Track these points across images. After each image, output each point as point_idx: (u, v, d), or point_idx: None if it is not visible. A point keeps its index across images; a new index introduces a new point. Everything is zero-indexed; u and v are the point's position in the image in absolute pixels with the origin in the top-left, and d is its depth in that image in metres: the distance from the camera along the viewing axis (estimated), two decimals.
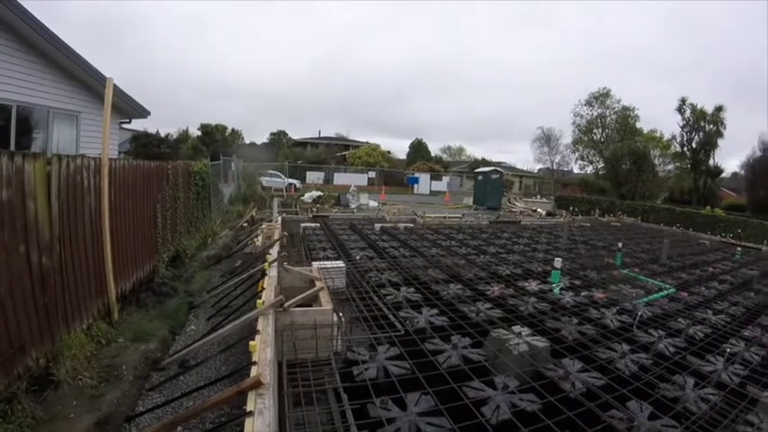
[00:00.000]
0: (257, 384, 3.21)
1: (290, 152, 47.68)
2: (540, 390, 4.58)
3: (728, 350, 6.18)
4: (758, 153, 37.59)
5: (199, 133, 42.94)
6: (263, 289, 5.85)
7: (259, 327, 4.56)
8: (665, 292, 9.35)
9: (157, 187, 8.56)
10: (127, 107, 12.99)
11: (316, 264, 7.96)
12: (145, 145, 26.57)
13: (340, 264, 8.45)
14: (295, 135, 59.26)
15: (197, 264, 9.94)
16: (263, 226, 12.55)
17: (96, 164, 5.86)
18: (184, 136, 41.75)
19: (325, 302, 5.70)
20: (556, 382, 4.82)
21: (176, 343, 6.32)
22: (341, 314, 5.52)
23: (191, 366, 5.48)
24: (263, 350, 3.91)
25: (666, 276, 11.14)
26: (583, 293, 8.56)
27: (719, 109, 39.21)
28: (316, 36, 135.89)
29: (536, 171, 68.37)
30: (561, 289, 8.73)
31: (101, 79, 10.70)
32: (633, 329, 6.73)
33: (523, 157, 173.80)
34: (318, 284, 6.29)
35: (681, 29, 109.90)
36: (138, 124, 16.42)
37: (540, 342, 5.62)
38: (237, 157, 27.03)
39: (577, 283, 9.51)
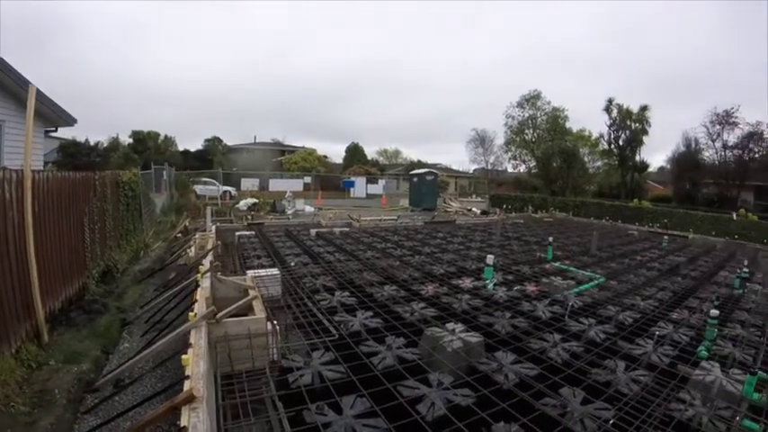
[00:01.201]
0: (190, 399, 3.11)
1: (224, 159, 46.54)
2: (474, 384, 4.67)
3: (657, 333, 6.49)
4: (682, 148, 40.21)
5: (130, 141, 41.21)
6: (196, 301, 5.68)
7: (191, 340, 4.42)
8: (596, 281, 9.75)
9: (84, 199, 8.15)
10: (53, 115, 12.29)
11: (250, 272, 7.83)
12: (73, 155, 25.49)
13: (275, 271, 8.31)
14: (230, 141, 58.05)
15: (129, 278, 9.54)
16: (197, 236, 12.18)
17: (18, 176, 5.51)
18: (115, 144, 40.09)
19: (259, 311, 5.60)
20: (489, 375, 4.93)
21: (110, 362, 6.03)
22: (275, 322, 5.41)
23: (125, 385, 5.25)
24: (195, 363, 3.78)
25: (597, 267, 11.64)
26: (515, 288, 8.81)
27: (644, 108, 41.38)
28: (249, 39, 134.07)
29: (471, 171, 69.89)
30: (494, 285, 8.90)
31: (25, 86, 10.07)
32: (565, 319, 6.97)
33: (459, 158, 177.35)
34: (252, 293, 6.15)
35: (607, 29, 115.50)
36: (66, 132, 15.61)
37: (474, 337, 5.73)
38: (170, 165, 26.13)
39: (510, 278, 9.79)
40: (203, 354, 4.06)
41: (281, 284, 7.99)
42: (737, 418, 4.35)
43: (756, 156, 35.06)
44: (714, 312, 6.68)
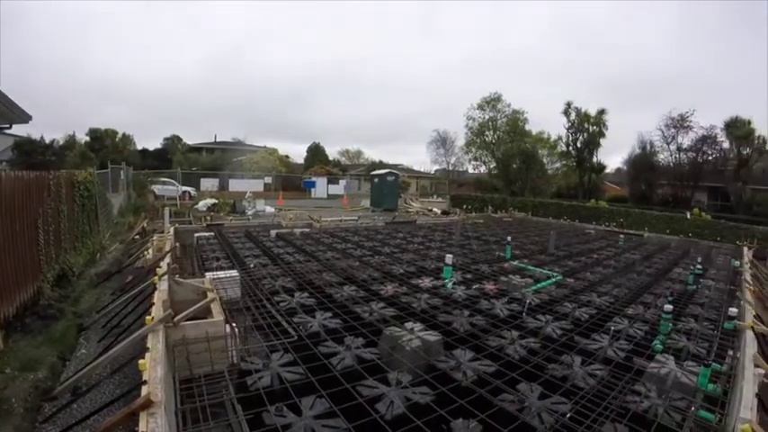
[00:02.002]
0: (148, 404, 3.08)
1: (184, 158, 45.41)
2: (432, 382, 4.72)
3: (613, 328, 6.66)
4: (638, 150, 41.69)
5: (87, 139, 39.67)
6: (154, 304, 5.59)
7: (149, 344, 4.35)
8: (553, 279, 9.95)
9: (38, 200, 7.88)
10: (6, 110, 11.76)
11: (209, 274, 7.75)
12: (28, 153, 24.81)
13: (234, 273, 8.22)
14: (190, 140, 56.57)
15: (85, 282, 9.27)
16: (155, 237, 11.89)
17: None
18: (71, 142, 38.35)
19: (217, 314, 5.50)
20: (448, 373, 4.98)
21: (67, 369, 5.86)
22: (234, 324, 5.33)
23: (83, 392, 5.11)
24: (153, 368, 3.73)
25: (554, 265, 11.90)
26: (474, 286, 8.94)
27: (602, 112, 42.74)
28: (209, 37, 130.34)
29: (433, 172, 70.37)
30: (454, 284, 8.98)
31: None
32: (523, 317, 7.08)
33: (421, 159, 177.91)
34: (210, 295, 6.04)
35: (565, 33, 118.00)
36: (21, 130, 14.90)
37: (433, 336, 5.78)
38: (128, 164, 25.45)
39: (469, 276, 9.91)
40: (161, 358, 4.01)
41: (241, 286, 7.90)
42: (692, 408, 4.49)
43: (710, 158, 36.50)
44: (668, 307, 6.91)
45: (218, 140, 60.72)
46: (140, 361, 3.76)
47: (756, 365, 5.28)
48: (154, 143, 55.36)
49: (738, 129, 33.45)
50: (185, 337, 4.91)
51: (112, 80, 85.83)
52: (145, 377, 3.59)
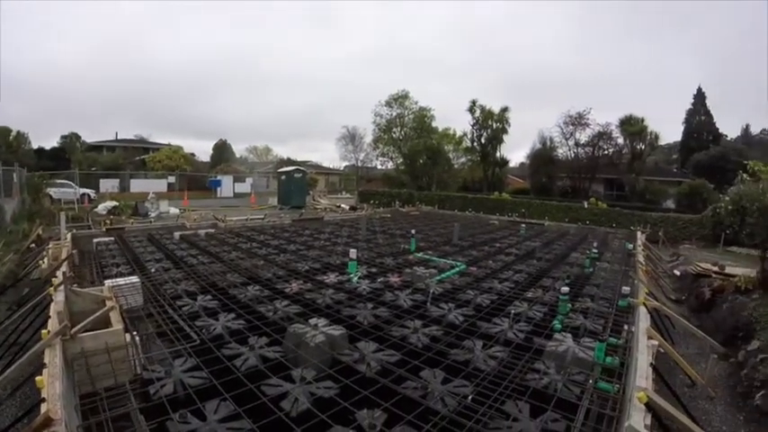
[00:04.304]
0: (48, 422, 2.98)
1: (84, 157, 42.37)
2: (336, 376, 4.75)
3: (513, 312, 6.95)
4: (538, 145, 43.93)
5: None
6: (50, 317, 5.29)
7: (46, 359, 4.13)
8: (456, 269, 10.27)
9: None
10: None
11: (108, 282, 7.38)
12: None
13: (134, 279, 7.90)
14: (90, 138, 52.75)
15: None
16: (50, 245, 11.06)
17: None
18: None
19: (116, 323, 5.30)
20: (351, 365, 5.02)
21: None
22: (135, 333, 5.13)
23: None
24: (51, 384, 3.58)
25: (458, 255, 12.30)
26: (379, 280, 9.06)
27: (505, 109, 44.54)
28: (105, 27, 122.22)
29: (342, 168, 70.68)
30: (359, 278, 9.06)
31: None
32: (426, 306, 7.25)
33: (330, 156, 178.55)
34: (109, 304, 5.81)
35: (468, 34, 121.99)
36: None
37: (337, 330, 5.81)
38: (21, 165, 23.34)
39: (374, 270, 10.03)
40: (59, 374, 3.86)
41: (142, 292, 7.61)
42: (590, 381, 4.78)
43: (606, 152, 39.16)
44: (565, 289, 7.35)
45: (119, 138, 57.33)
46: (38, 378, 3.57)
47: (649, 337, 5.72)
48: (50, 142, 51.37)
49: (632, 126, 36.16)
50: (84, 349, 4.71)
51: (5, 75, 78.74)
52: (43, 394, 3.44)
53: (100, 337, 4.85)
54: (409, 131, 50.62)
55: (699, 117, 52.82)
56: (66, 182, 29.36)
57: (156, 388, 4.39)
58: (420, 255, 12.03)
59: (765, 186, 9.37)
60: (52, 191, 26.97)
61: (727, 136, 57.21)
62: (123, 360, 4.82)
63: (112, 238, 13.67)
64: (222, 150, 56.04)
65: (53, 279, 6.90)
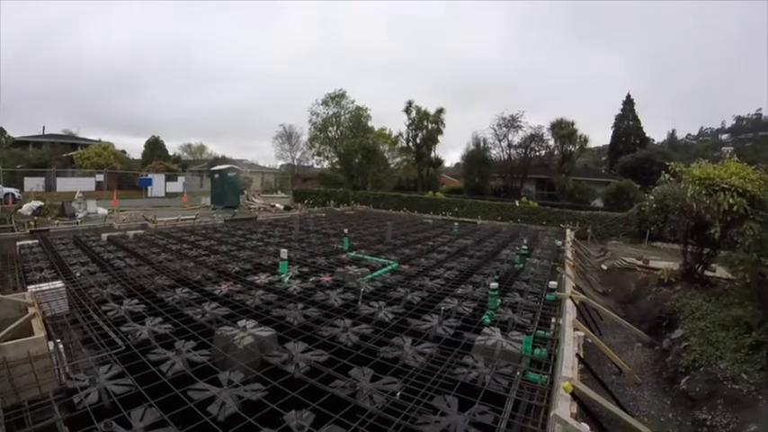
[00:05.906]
0: None
1: (8, 154, 39.74)
2: (264, 378, 4.72)
3: (443, 308, 7.06)
4: (472, 146, 44.81)
5: None
6: None
7: None
8: (388, 267, 10.37)
9: None
10: None
11: (31, 287, 7.08)
12: None
13: (58, 284, 7.53)
14: (15, 133, 49.57)
15: None
16: None
17: None
18: None
19: (39, 331, 5.14)
20: (280, 366, 4.98)
21: None
22: (59, 341, 4.88)
23: None
24: None
25: (391, 253, 12.41)
26: (310, 279, 9.04)
27: (440, 111, 45.17)
28: (34, 20, 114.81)
29: (278, 167, 69.90)
30: (290, 278, 8.98)
31: None
32: (357, 305, 7.28)
33: (267, 154, 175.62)
34: (31, 311, 5.62)
35: (408, 34, 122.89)
36: None
37: (266, 332, 5.76)
38: None
39: (306, 270, 9.98)
40: None
41: (67, 298, 7.30)
42: (518, 373, 4.92)
43: (538, 154, 40.47)
44: (494, 285, 7.53)
45: (47, 133, 54.29)
46: None
47: (576, 329, 5.96)
48: None
49: (563, 129, 37.48)
50: (5, 359, 4.56)
51: None
52: None
53: (22, 346, 4.73)
54: (345, 131, 50.74)
55: (627, 122, 55.60)
56: None
57: (80, 397, 4.23)
58: (353, 254, 12.05)
59: (686, 186, 9.93)
60: None
61: (653, 140, 60.77)
62: (47, 369, 4.69)
63: (36, 241, 13.01)
64: (154, 148, 53.86)
65: None
